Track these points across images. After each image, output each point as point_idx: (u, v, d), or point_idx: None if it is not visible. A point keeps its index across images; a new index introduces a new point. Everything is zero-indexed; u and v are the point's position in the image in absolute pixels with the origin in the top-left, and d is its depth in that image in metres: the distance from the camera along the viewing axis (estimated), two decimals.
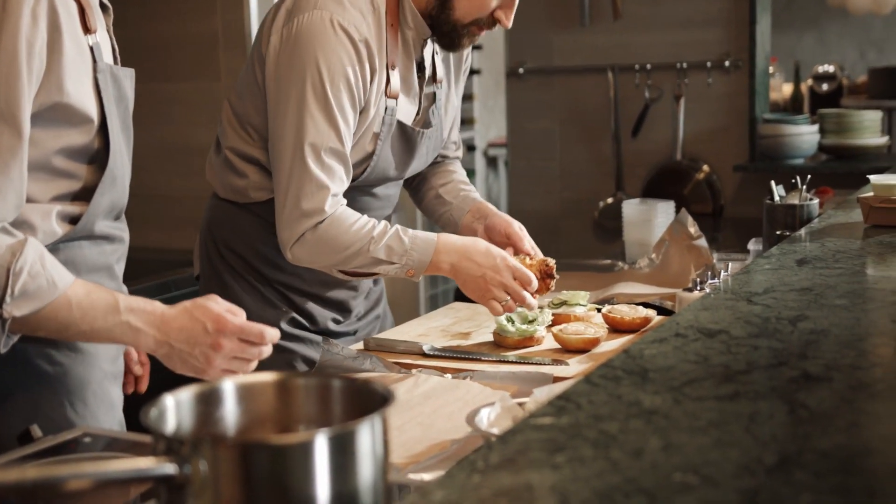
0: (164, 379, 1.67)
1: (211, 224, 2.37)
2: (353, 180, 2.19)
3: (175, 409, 1.11)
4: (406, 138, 2.26)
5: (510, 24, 2.19)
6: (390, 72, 2.18)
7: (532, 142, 4.97)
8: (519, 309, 2.17)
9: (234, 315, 1.61)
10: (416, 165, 2.34)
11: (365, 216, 2.14)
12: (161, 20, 4.24)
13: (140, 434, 1.57)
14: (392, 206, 2.43)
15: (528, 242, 2.29)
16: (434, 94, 2.34)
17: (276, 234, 2.18)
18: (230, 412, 1.15)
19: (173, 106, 4.28)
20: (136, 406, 2.30)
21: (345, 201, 2.14)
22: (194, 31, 4.19)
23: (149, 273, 3.41)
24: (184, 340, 1.60)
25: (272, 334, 1.63)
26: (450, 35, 2.19)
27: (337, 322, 2.39)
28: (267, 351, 1.64)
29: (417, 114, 2.30)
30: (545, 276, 2.18)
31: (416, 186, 2.55)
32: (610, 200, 4.76)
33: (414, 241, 2.12)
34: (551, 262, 2.21)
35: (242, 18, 4.08)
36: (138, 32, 4.23)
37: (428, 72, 2.30)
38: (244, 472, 0.99)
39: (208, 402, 1.14)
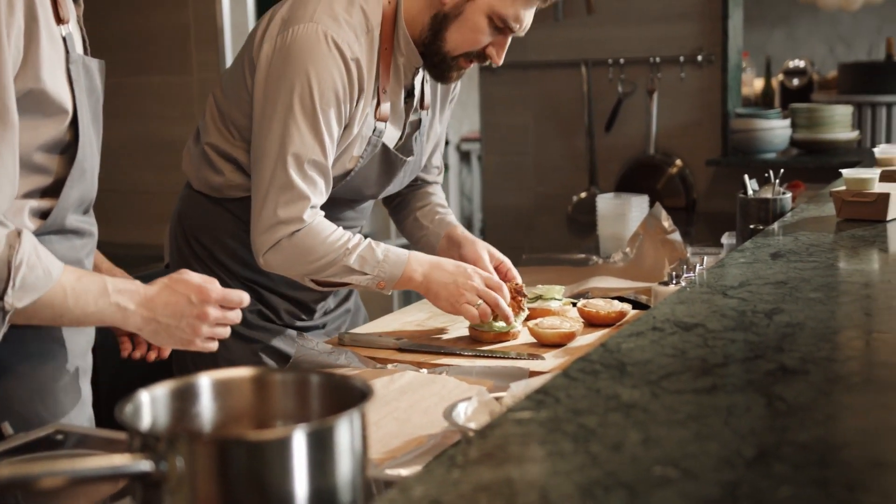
0: (139, 374, 1.65)
1: (182, 214, 2.37)
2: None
3: (150, 405, 1.10)
4: (388, 162, 2.27)
5: (501, 62, 2.20)
6: (381, 95, 2.18)
7: (505, 136, 4.97)
8: (498, 325, 2.16)
9: (211, 284, 1.68)
10: (392, 188, 2.36)
11: (340, 228, 2.15)
12: (132, 13, 4.21)
13: (112, 430, 1.56)
14: (365, 218, 2.45)
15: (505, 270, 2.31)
16: (419, 120, 2.34)
17: (246, 231, 2.19)
18: (206, 408, 1.14)
19: (144, 99, 4.25)
20: (108, 402, 2.29)
21: (322, 213, 2.14)
22: (166, 24, 4.16)
23: (121, 268, 3.38)
24: (170, 315, 1.64)
25: (247, 298, 1.72)
26: (440, 66, 2.20)
27: (301, 319, 2.39)
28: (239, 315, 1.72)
29: (400, 139, 2.29)
30: (516, 294, 2.19)
31: (396, 208, 2.57)
32: (583, 195, 4.77)
33: (387, 253, 2.14)
34: (520, 281, 2.25)
35: (214, 12, 4.06)
36: (109, 25, 4.20)
37: (416, 99, 2.30)
38: (221, 469, 0.98)
39: (184, 398, 1.13)
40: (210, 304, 1.66)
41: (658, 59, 4.61)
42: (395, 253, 2.15)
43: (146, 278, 1.71)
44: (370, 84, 2.16)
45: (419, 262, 2.15)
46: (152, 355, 1.91)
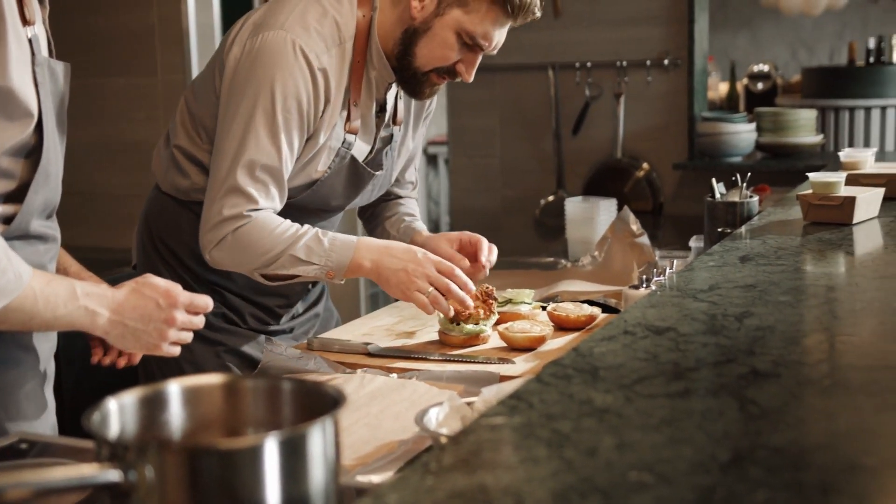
0: (103, 381, 1.64)
1: (149, 216, 2.36)
2: (290, 201, 2.18)
3: (118, 413, 1.08)
4: (356, 174, 2.26)
5: (471, 79, 2.19)
6: (352, 108, 2.18)
7: (473, 139, 4.96)
8: (468, 328, 2.15)
9: (178, 288, 1.67)
10: (360, 201, 2.35)
11: (287, 221, 2.12)
12: (95, 13, 4.17)
13: (77, 439, 1.54)
14: (334, 228, 2.43)
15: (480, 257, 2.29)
16: (391, 135, 2.33)
17: None
18: (176, 415, 1.13)
19: (108, 101, 4.21)
20: (73, 409, 2.26)
21: (271, 210, 2.12)
22: (130, 24, 4.12)
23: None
24: (138, 318, 1.63)
25: (211, 303, 1.71)
26: (411, 81, 2.19)
27: (267, 324, 2.37)
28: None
29: (371, 153, 2.28)
30: (486, 298, 2.18)
31: (368, 219, 2.56)
32: (551, 198, 4.77)
33: (333, 241, 2.12)
34: (490, 286, 2.22)
35: (179, 12, 4.03)
36: (72, 26, 4.16)
37: (388, 114, 2.29)
38: (192, 478, 0.97)
39: (153, 406, 1.12)
40: (177, 309, 1.65)
41: (625, 63, 4.62)
42: (342, 240, 2.12)
43: (114, 282, 1.69)
44: (339, 95, 2.15)
45: (368, 249, 2.12)
46: (122, 362, 1.88)
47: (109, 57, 4.18)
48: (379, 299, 5.15)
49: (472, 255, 2.29)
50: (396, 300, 2.33)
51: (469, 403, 1.55)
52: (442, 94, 5.05)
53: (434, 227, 6.88)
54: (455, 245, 2.32)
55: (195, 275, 2.29)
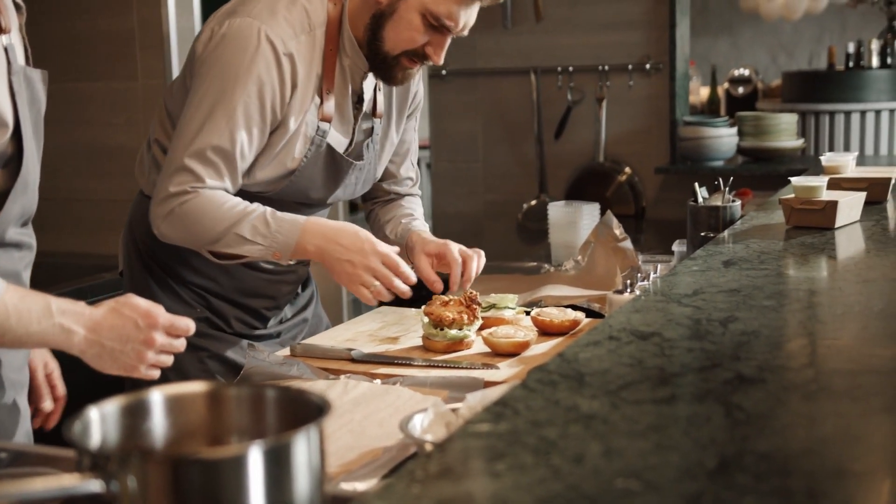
0: (84, 390, 1.62)
1: (133, 221, 2.35)
2: (269, 192, 2.19)
3: (100, 422, 1.07)
4: (334, 165, 2.25)
5: (441, 61, 2.19)
6: (325, 96, 2.18)
7: (455, 143, 4.96)
8: (452, 333, 2.14)
9: (158, 309, 1.62)
10: (342, 194, 2.33)
11: (239, 199, 2.11)
12: (74, 17, 4.13)
13: (53, 447, 1.52)
14: None
15: (465, 271, 2.28)
16: (372, 128, 2.32)
17: None
18: (158, 424, 1.11)
19: (88, 106, 4.18)
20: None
21: (220, 187, 2.12)
22: (109, 28, 4.09)
23: (67, 279, 3.33)
24: (115, 338, 1.58)
25: (192, 327, 1.65)
26: (382, 67, 2.19)
27: (253, 328, 2.36)
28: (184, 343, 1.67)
29: (350, 145, 2.28)
30: (470, 303, 2.18)
31: (372, 222, 2.55)
32: (533, 202, 4.78)
33: (280, 223, 2.10)
34: (473, 291, 2.22)
35: (160, 15, 4.00)
36: (50, 30, 4.12)
37: (367, 106, 2.28)
38: (175, 488, 0.96)
39: (135, 415, 1.10)
40: (157, 330, 1.60)
41: (607, 67, 4.63)
42: (289, 222, 2.10)
43: (101, 287, 1.67)
44: (310, 83, 2.15)
45: (313, 234, 2.10)
46: (37, 423, 1.88)
47: (89, 61, 4.15)
48: (361, 304, 5.13)
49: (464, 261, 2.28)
50: (379, 306, 2.32)
51: (454, 409, 1.54)
52: (424, 97, 5.05)
53: None
54: (434, 263, 2.31)
55: (180, 278, 2.28)
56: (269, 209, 2.11)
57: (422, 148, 6.84)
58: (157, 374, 1.64)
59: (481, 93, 4.88)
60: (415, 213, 2.51)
